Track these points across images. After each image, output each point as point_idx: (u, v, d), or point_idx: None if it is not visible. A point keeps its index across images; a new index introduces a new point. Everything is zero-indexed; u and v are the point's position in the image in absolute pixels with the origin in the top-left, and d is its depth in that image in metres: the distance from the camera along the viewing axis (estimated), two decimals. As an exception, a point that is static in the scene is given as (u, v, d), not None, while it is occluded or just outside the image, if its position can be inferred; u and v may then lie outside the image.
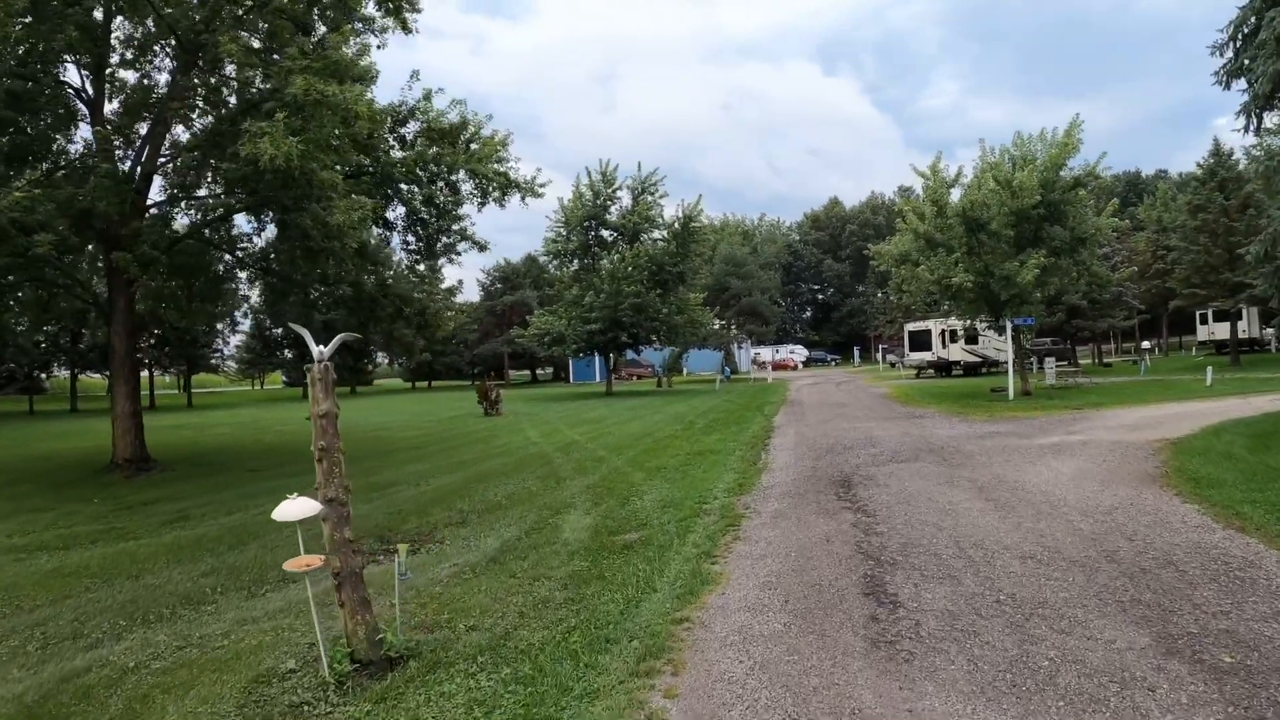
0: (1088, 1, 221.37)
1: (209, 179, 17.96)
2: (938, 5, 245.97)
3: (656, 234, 46.05)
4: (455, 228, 20.16)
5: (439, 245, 20.45)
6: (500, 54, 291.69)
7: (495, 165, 20.44)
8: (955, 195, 26.18)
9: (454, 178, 20.10)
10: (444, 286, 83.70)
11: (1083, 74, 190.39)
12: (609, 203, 45.03)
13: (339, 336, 6.41)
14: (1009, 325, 25.22)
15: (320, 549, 6.02)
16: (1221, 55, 18.02)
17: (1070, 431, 16.01)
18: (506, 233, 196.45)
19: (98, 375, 66.20)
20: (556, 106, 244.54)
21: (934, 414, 21.52)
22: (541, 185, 21.41)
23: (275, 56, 14.93)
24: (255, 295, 23.64)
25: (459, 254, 20.07)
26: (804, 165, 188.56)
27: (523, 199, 21.16)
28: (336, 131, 14.39)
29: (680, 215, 45.13)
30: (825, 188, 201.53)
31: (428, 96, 18.60)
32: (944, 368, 45.84)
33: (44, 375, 65.87)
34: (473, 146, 20.17)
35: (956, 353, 44.99)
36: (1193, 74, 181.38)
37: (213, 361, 69.86)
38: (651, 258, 44.64)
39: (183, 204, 16.89)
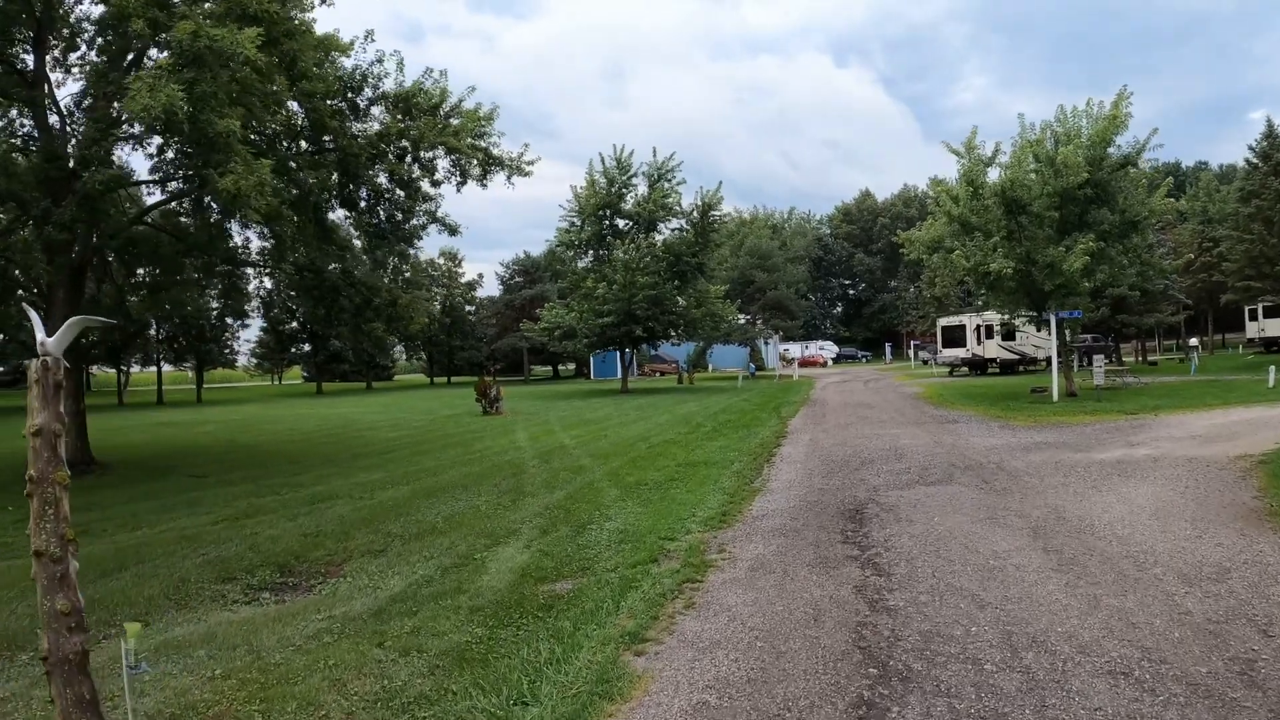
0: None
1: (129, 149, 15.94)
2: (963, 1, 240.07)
3: (674, 223, 43.60)
4: (423, 208, 17.99)
5: (407, 228, 18.29)
6: (510, 52, 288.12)
7: (474, 140, 18.32)
8: (993, 175, 23.58)
9: (429, 155, 17.98)
10: (464, 280, 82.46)
11: (1113, 66, 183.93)
12: (624, 190, 42.54)
13: (72, 321, 4.22)
14: (1053, 319, 22.56)
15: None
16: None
17: (1132, 443, 13.49)
18: (532, 228, 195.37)
19: (111, 370, 65.26)
20: (568, 104, 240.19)
21: (970, 418, 18.99)
22: (529, 162, 19.30)
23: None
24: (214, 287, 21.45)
25: (421, 238, 17.93)
26: (824, 161, 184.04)
27: (508, 178, 19.10)
28: (263, 86, 12.30)
29: (699, 203, 42.61)
30: (849, 184, 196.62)
31: (382, 60, 16.36)
32: (979, 365, 43.02)
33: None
34: (453, 121, 18.09)
35: (992, 349, 42.15)
36: (1227, 65, 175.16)
37: (226, 355, 68.45)
38: (669, 247, 42.22)
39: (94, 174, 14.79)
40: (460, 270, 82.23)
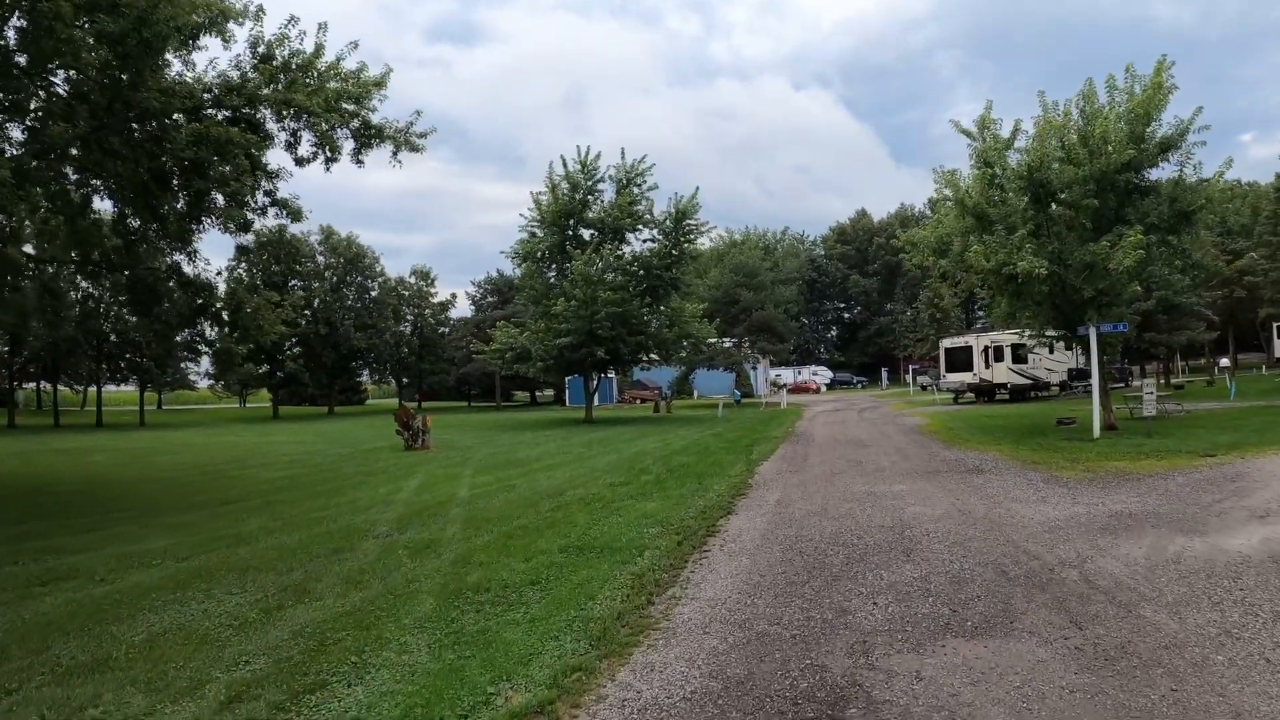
0: (1105, 20, 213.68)
1: None
2: (951, 27, 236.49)
3: (645, 234, 38.92)
4: (265, 188, 13.51)
5: (249, 213, 13.76)
6: (469, 81, 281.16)
7: (348, 105, 13.92)
8: (1013, 160, 19.07)
9: (288, 121, 13.51)
10: (436, 300, 77.81)
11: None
12: (589, 197, 37.96)
13: None
14: (1093, 333, 17.94)
15: None
16: None
17: (1255, 512, 8.91)
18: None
19: (53, 387, 60.66)
20: (532, 132, 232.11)
21: (997, 464, 14.34)
22: (421, 135, 14.90)
23: None
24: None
25: (251, 224, 13.46)
26: (796, 187, 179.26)
27: (394, 154, 14.72)
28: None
29: (672, 211, 37.98)
30: (827, 211, 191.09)
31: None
32: (987, 391, 38.41)
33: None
34: (330, 85, 13.68)
35: (1002, 373, 37.55)
36: (1214, 90, 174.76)
37: (175, 375, 63.55)
38: (638, 259, 37.56)
39: None
40: (433, 290, 77.78)
